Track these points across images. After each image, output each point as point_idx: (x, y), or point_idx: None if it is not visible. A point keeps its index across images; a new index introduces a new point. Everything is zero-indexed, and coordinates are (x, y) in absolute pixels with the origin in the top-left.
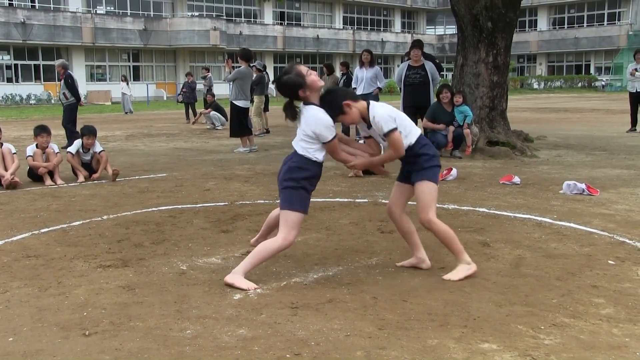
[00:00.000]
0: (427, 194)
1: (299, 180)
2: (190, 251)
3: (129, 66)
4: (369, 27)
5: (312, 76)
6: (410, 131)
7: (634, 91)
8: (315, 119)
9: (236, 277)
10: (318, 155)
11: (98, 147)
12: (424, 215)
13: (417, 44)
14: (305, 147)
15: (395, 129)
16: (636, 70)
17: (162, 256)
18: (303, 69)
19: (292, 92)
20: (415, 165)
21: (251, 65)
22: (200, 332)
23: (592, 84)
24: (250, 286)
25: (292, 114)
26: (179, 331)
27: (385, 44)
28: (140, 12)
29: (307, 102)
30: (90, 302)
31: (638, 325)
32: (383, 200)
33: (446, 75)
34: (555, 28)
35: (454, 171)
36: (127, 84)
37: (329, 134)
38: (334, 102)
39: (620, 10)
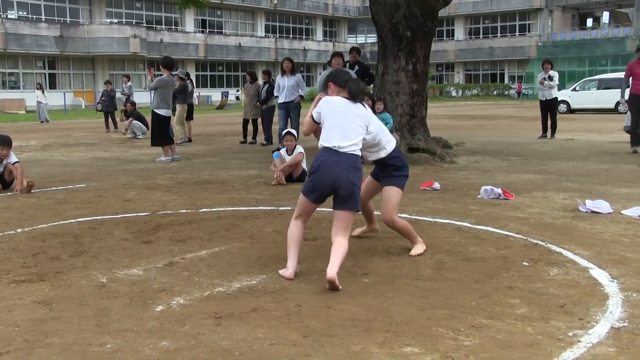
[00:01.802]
0: (394, 198)
1: (361, 178)
2: (110, 263)
3: (45, 74)
4: (291, 36)
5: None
6: (389, 140)
7: (544, 99)
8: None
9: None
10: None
11: (13, 158)
12: (389, 216)
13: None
14: (358, 147)
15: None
16: (545, 79)
17: (80, 269)
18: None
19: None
20: (385, 172)
21: (173, 73)
22: (121, 345)
23: (522, 92)
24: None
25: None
26: (98, 346)
27: (307, 52)
28: (56, 18)
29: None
30: (2, 320)
31: (550, 323)
32: None
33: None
34: (472, 38)
35: None
36: (43, 92)
37: None
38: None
39: (529, 22)
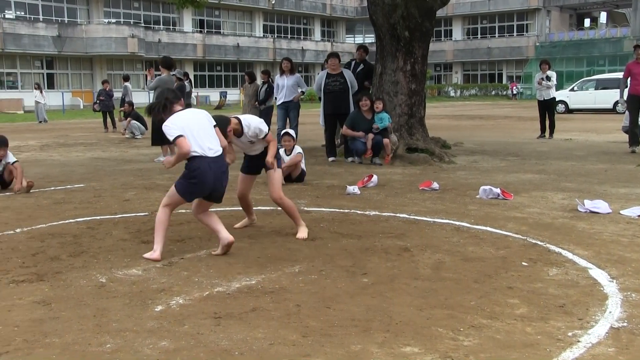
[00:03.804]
0: (278, 179)
1: None
2: (109, 263)
3: (43, 74)
4: (289, 36)
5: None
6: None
7: (542, 99)
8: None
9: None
10: None
11: (11, 158)
12: (277, 194)
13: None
14: (219, 145)
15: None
16: (542, 79)
17: (80, 269)
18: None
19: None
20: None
21: (172, 73)
22: (121, 345)
23: (515, 91)
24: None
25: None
26: (98, 346)
27: (306, 52)
28: (54, 18)
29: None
30: (2, 320)
31: (549, 323)
32: (305, 208)
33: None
34: (470, 38)
35: (375, 178)
36: (41, 92)
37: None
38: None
39: (527, 23)
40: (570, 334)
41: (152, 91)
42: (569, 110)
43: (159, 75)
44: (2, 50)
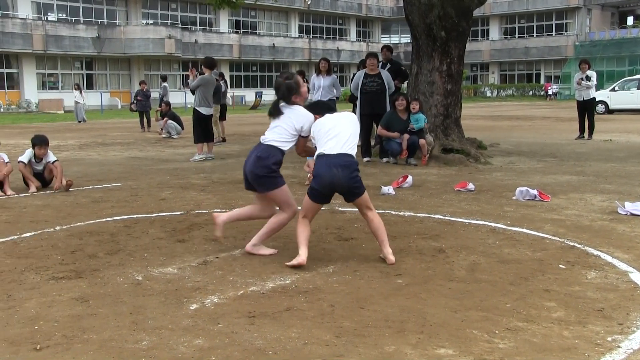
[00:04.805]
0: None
1: (269, 166)
2: (145, 261)
3: (82, 74)
4: (324, 36)
5: (304, 88)
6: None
7: (581, 100)
8: (306, 115)
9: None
10: (285, 146)
11: (51, 157)
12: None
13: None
14: (276, 139)
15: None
16: (582, 79)
17: (117, 267)
18: (300, 80)
19: (289, 95)
20: None
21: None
22: (157, 343)
23: (549, 92)
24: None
25: (276, 112)
26: (134, 343)
27: (341, 52)
28: (94, 20)
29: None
30: (42, 315)
31: (587, 327)
32: (340, 208)
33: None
34: (507, 38)
35: (410, 178)
36: (81, 92)
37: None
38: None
39: (567, 22)
40: (609, 339)
41: (193, 90)
42: (609, 111)
43: (200, 74)
44: (45, 52)
